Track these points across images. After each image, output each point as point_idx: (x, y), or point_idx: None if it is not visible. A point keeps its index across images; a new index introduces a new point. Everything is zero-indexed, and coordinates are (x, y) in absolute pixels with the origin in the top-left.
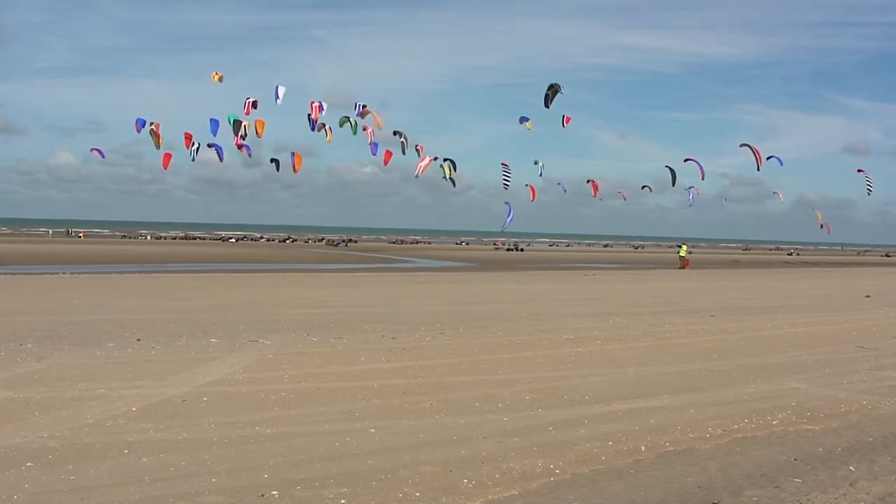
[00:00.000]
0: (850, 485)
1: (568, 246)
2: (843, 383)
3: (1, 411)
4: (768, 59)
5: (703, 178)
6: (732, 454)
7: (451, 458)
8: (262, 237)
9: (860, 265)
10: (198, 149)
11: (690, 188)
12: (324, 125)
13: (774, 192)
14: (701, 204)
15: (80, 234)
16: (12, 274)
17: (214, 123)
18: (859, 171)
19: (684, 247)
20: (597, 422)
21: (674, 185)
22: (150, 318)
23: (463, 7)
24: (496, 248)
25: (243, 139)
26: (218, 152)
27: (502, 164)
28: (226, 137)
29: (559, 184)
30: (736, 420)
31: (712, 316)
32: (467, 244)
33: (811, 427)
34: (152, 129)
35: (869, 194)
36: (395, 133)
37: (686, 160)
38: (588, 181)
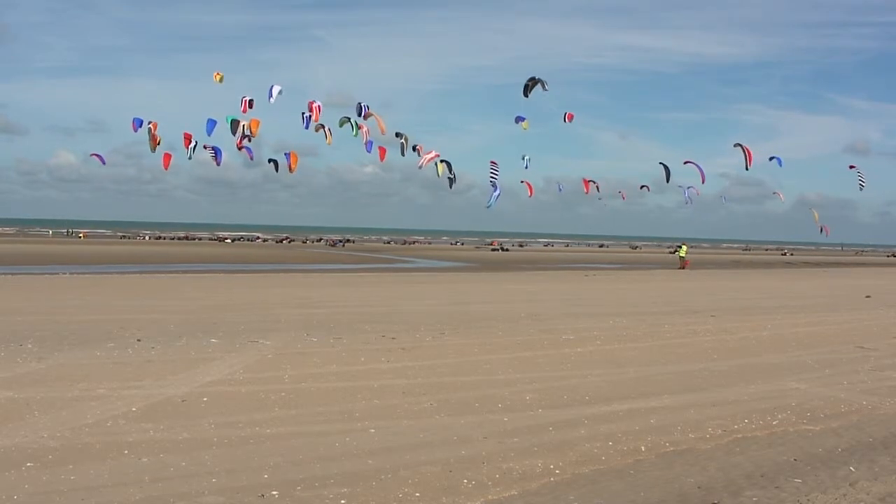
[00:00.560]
0: (850, 485)
1: (567, 246)
2: (843, 383)
3: (1, 411)
4: (768, 59)
5: (703, 182)
6: (732, 454)
7: (451, 458)
8: (258, 237)
9: (860, 265)
10: (195, 147)
11: (689, 188)
12: (322, 126)
13: (774, 192)
14: (701, 204)
15: (81, 235)
16: (12, 274)
17: (211, 123)
18: (851, 167)
19: (684, 247)
20: (597, 422)
21: (668, 181)
22: (150, 318)
23: (463, 7)
24: (493, 249)
25: (249, 140)
26: (217, 155)
27: (491, 161)
28: (226, 139)
29: (557, 182)
30: (736, 420)
31: (712, 316)
32: (462, 244)
33: (811, 427)
34: (150, 129)
35: (861, 190)
36: (397, 135)
37: (686, 163)
38: (584, 180)
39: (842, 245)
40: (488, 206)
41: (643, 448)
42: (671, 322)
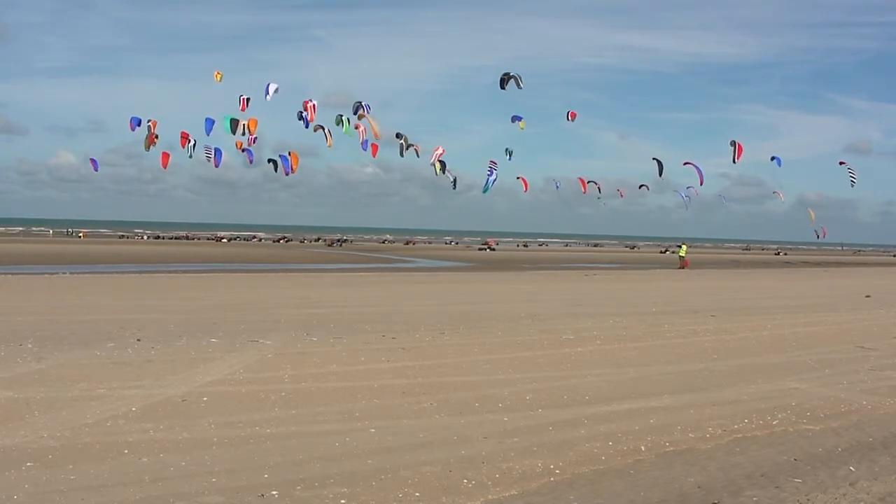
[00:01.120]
0: (850, 485)
1: (567, 245)
2: (843, 383)
3: (1, 411)
4: (768, 59)
5: (701, 183)
6: (732, 454)
7: (451, 458)
8: (254, 237)
9: (860, 265)
10: (194, 146)
11: (689, 188)
12: (322, 127)
13: (774, 192)
14: (701, 204)
15: (80, 234)
16: (12, 274)
17: (209, 122)
18: (841, 163)
19: (684, 247)
20: (597, 422)
21: (661, 175)
22: (150, 318)
23: (463, 7)
24: (480, 248)
25: (253, 142)
26: (216, 156)
27: (491, 161)
28: (226, 140)
29: (554, 180)
30: (736, 420)
31: (712, 316)
32: (456, 244)
33: (811, 427)
34: (150, 126)
35: (853, 186)
36: (397, 136)
37: (685, 164)
38: (581, 180)
39: (842, 245)
40: (485, 192)
41: (643, 448)
42: (671, 322)
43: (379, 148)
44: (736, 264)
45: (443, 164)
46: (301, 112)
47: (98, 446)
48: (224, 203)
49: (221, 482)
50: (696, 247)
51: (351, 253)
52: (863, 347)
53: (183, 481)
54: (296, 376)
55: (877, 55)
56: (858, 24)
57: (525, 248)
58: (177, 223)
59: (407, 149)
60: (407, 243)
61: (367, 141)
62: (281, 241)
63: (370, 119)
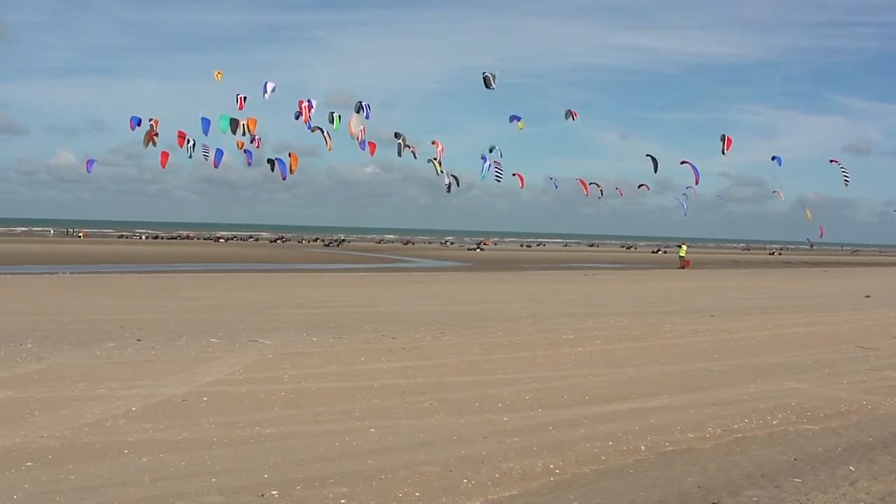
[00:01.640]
0: (850, 485)
1: (566, 245)
2: (843, 383)
3: (1, 411)
4: (768, 59)
5: (697, 182)
6: (732, 454)
7: (451, 458)
8: (250, 237)
9: (859, 265)
10: (193, 145)
11: (689, 188)
12: (320, 129)
13: (774, 192)
14: (701, 204)
15: (81, 234)
16: (13, 274)
17: (206, 122)
18: (832, 161)
19: (684, 247)
20: (597, 422)
21: (656, 171)
22: (150, 318)
23: (463, 7)
24: (469, 248)
25: (252, 142)
26: (216, 157)
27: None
28: (226, 140)
29: (551, 178)
30: (736, 420)
31: (712, 316)
32: (451, 244)
33: (811, 427)
34: (151, 125)
35: (846, 185)
36: (396, 135)
37: (682, 163)
38: (580, 181)
39: (841, 245)
40: (483, 178)
41: (643, 448)
42: (671, 322)
43: (377, 146)
44: (736, 264)
45: (438, 164)
46: (297, 113)
47: (98, 446)
48: (224, 203)
49: (221, 482)
50: (696, 247)
51: (350, 253)
52: (863, 347)
53: (183, 481)
54: (296, 376)
55: (877, 55)
56: (858, 24)
57: (528, 249)
58: (177, 223)
59: (405, 149)
60: (406, 243)
61: (365, 141)
62: (278, 242)
63: (352, 119)
